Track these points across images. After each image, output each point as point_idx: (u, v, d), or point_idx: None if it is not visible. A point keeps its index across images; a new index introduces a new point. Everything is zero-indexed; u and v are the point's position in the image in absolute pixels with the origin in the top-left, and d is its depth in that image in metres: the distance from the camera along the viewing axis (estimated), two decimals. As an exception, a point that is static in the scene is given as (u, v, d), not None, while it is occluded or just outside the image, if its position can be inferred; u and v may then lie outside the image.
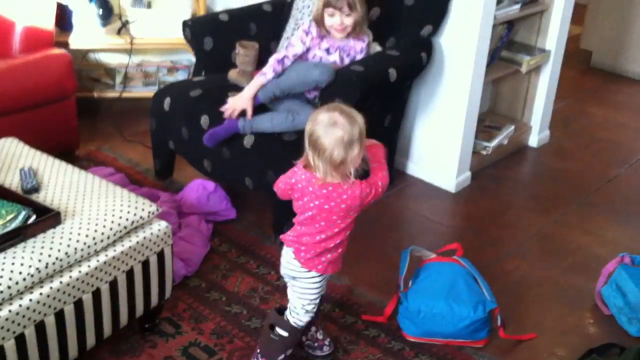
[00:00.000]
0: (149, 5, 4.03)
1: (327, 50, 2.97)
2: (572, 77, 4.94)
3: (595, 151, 4.01)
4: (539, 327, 2.62)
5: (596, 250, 3.09)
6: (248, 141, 2.88)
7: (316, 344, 2.41)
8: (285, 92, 2.90)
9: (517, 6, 3.51)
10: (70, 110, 3.42)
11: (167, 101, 3.16)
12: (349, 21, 2.91)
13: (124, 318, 2.26)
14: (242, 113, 2.91)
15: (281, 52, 2.98)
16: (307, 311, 2.24)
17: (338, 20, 2.90)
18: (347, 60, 2.98)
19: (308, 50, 2.97)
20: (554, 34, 3.75)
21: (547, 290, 2.85)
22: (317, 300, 2.25)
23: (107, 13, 3.89)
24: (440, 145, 3.47)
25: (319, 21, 2.95)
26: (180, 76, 4.09)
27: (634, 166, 3.86)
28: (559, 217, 3.35)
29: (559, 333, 2.62)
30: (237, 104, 2.91)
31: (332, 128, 1.98)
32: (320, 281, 2.20)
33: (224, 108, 2.93)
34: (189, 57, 4.19)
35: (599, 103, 4.67)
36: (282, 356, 2.28)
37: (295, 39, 2.97)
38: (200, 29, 3.31)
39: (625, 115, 4.52)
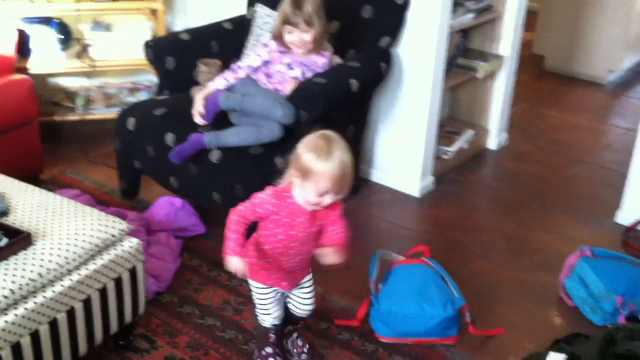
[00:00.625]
0: (108, 28, 4.04)
1: (289, 65, 3.03)
2: (526, 82, 5.07)
3: (552, 152, 4.13)
4: (507, 323, 2.70)
5: (558, 247, 3.19)
6: (214, 156, 2.92)
7: (295, 350, 2.45)
8: (244, 112, 2.94)
9: (472, 15, 3.62)
10: (33, 135, 3.42)
11: (131, 121, 3.19)
12: (307, 37, 2.97)
13: (98, 336, 2.28)
14: (208, 127, 2.96)
15: (239, 61, 3.05)
16: (260, 314, 2.33)
17: (297, 37, 2.96)
18: (309, 75, 3.04)
19: (269, 63, 3.03)
20: (507, 40, 3.87)
21: (513, 288, 2.92)
22: (265, 310, 2.31)
23: (67, 37, 3.90)
24: (403, 152, 3.55)
25: (279, 37, 3.01)
26: (142, 96, 4.11)
27: (589, 164, 3.99)
28: (521, 217, 3.44)
29: (526, 327, 2.69)
30: (197, 105, 3.00)
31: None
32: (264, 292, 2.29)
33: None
34: (150, 78, 4.21)
35: (553, 105, 4.81)
36: (257, 353, 2.37)
37: (252, 51, 3.03)
38: (162, 49, 3.34)
39: (579, 116, 4.66)
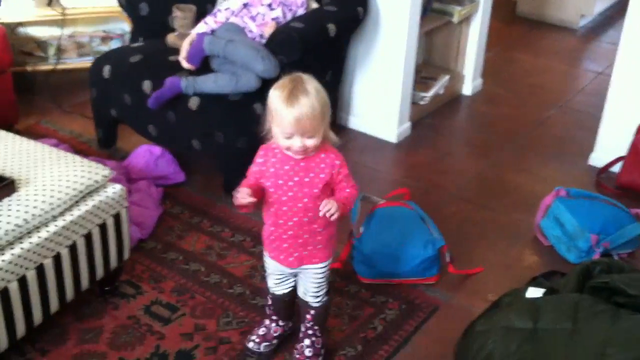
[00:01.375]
0: (78, -25, 3.96)
1: (270, 6, 3.01)
2: (499, 27, 5.08)
3: (525, 96, 4.18)
4: (485, 263, 2.77)
5: (532, 187, 3.26)
6: (193, 103, 2.91)
7: (298, 357, 2.29)
8: (227, 59, 2.92)
9: (445, -42, 3.61)
10: (7, 85, 3.36)
11: (106, 69, 3.15)
12: None
13: (85, 281, 2.29)
14: (186, 72, 2.94)
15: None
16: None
17: None
18: (289, 15, 3.03)
19: (249, 5, 3.01)
20: (481, -16, 3.87)
21: (489, 227, 2.99)
22: (267, 275, 2.26)
23: (35, -16, 3.80)
24: (380, 98, 3.56)
25: None
26: (114, 45, 4.04)
27: (563, 108, 4.04)
28: (495, 160, 3.49)
29: (503, 266, 2.77)
30: (183, 50, 2.98)
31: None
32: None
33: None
34: (122, 26, 4.14)
35: (526, 50, 4.84)
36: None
37: None
38: (135, -5, 3.29)
39: (551, 60, 4.70)
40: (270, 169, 2.03)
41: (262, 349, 2.30)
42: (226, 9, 3.00)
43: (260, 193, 2.04)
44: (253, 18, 3.02)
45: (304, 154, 1.99)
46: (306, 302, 2.23)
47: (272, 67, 2.86)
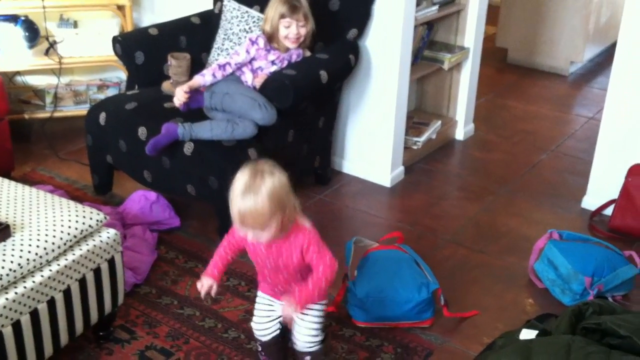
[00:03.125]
0: (75, 25, 4.03)
1: (273, 62, 3.08)
2: (490, 74, 5.18)
3: (517, 141, 4.23)
4: (480, 306, 2.77)
5: (525, 231, 3.27)
6: (188, 149, 2.94)
7: None
8: (226, 110, 2.97)
9: (436, 7, 3.69)
10: (3, 133, 3.40)
11: (102, 116, 3.19)
12: (303, 31, 3.06)
13: (79, 326, 2.29)
14: (181, 119, 2.97)
15: (225, 58, 3.06)
16: None
17: (294, 31, 3.04)
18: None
19: (253, 59, 3.07)
20: (471, 32, 3.95)
21: (483, 271, 3.00)
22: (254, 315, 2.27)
23: (33, 35, 3.88)
24: (373, 143, 3.60)
25: (274, 33, 3.06)
26: (111, 93, 4.10)
27: (554, 152, 4.09)
28: (488, 204, 3.52)
29: (498, 309, 2.77)
30: (178, 92, 2.99)
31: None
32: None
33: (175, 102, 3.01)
34: (119, 74, 4.21)
35: (517, 97, 4.92)
36: None
37: (241, 48, 3.06)
38: (131, 44, 3.35)
39: (542, 106, 4.77)
40: (248, 244, 2.08)
41: None
42: (236, 63, 3.04)
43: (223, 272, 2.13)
44: (253, 71, 3.08)
45: (266, 242, 1.99)
46: (301, 351, 2.21)
47: (270, 115, 2.91)
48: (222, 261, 2.15)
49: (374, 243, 2.83)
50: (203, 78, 3.01)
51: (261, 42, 3.06)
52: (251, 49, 3.05)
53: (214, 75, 3.00)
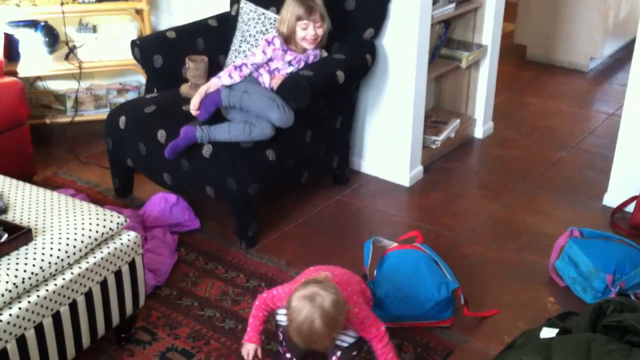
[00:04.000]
0: (94, 30, 4.08)
1: (290, 63, 3.09)
2: (509, 71, 5.15)
3: (537, 138, 4.20)
4: (499, 304, 2.75)
5: (545, 228, 3.25)
6: (206, 151, 2.96)
7: None
8: (243, 109, 2.98)
9: (452, 5, 3.68)
10: (25, 137, 3.44)
11: (122, 119, 3.22)
12: (320, 32, 3.07)
13: (101, 328, 2.31)
14: (199, 122, 2.99)
15: (241, 59, 3.08)
16: None
17: (312, 32, 3.05)
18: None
19: (270, 60, 3.08)
20: (489, 30, 3.93)
21: (503, 269, 2.98)
22: None
23: (53, 40, 3.92)
24: (391, 143, 3.60)
25: (290, 35, 3.07)
26: (130, 97, 4.13)
27: (574, 149, 4.06)
28: (507, 201, 3.50)
29: (519, 308, 2.75)
30: (194, 99, 3.02)
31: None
32: None
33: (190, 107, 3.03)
34: (138, 78, 4.25)
35: (536, 93, 4.89)
36: None
37: (258, 49, 3.07)
38: (149, 48, 3.38)
39: (561, 102, 4.74)
40: None
41: None
42: (252, 64, 3.06)
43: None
44: (270, 72, 3.09)
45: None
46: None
47: (287, 117, 2.92)
48: (260, 324, 2.29)
49: (392, 243, 2.83)
50: (220, 80, 3.02)
51: (277, 42, 3.07)
52: (268, 50, 3.06)
53: (230, 76, 3.02)
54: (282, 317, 2.28)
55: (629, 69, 3.22)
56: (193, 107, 3.01)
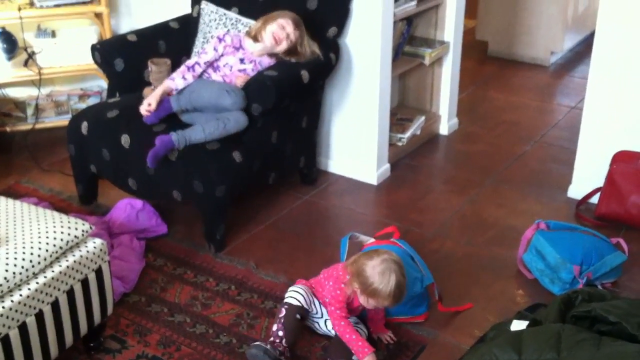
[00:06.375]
0: (53, 35, 4.01)
1: (242, 60, 3.06)
2: (472, 67, 5.19)
3: (501, 132, 4.24)
4: (470, 298, 2.77)
5: (512, 222, 3.28)
6: (172, 154, 2.92)
7: None
8: (197, 108, 2.96)
9: (414, 2, 3.69)
10: (-16, 146, 3.37)
11: (84, 125, 3.17)
12: (293, 37, 3.09)
13: (69, 338, 2.27)
14: (174, 127, 2.95)
15: (193, 58, 3.05)
16: None
17: (287, 31, 3.06)
18: (256, 71, 3.08)
19: (221, 56, 3.06)
20: (450, 26, 3.95)
21: (472, 263, 3.00)
22: None
23: (11, 46, 3.84)
24: (358, 141, 3.60)
25: (258, 31, 3.08)
26: (92, 102, 4.07)
27: (538, 142, 4.11)
28: (474, 196, 3.53)
29: (488, 301, 2.77)
30: (149, 99, 2.99)
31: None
32: None
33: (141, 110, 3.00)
34: (100, 83, 4.19)
35: (499, 88, 4.93)
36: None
37: (209, 45, 3.06)
38: (110, 51, 3.33)
39: (524, 96, 4.79)
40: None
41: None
42: (205, 62, 3.04)
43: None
44: (217, 68, 3.08)
45: None
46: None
47: (239, 98, 2.90)
48: (357, 333, 2.39)
49: (370, 238, 2.83)
50: (173, 82, 3.00)
51: (229, 39, 3.06)
52: (219, 47, 3.05)
53: (184, 77, 3.00)
54: (293, 298, 2.46)
55: (589, 62, 3.26)
56: (145, 107, 2.96)
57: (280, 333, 2.39)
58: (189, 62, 3.03)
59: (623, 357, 1.80)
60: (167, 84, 3.01)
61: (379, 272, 2.31)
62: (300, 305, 2.45)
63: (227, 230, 3.07)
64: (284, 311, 2.43)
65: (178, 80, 3.01)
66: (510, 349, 1.93)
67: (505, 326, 2.26)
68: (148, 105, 2.97)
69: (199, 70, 3.02)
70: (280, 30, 3.07)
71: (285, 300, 2.47)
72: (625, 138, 3.24)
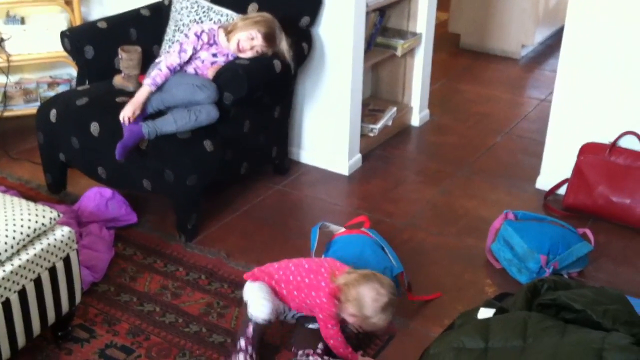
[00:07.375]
0: (22, 22, 3.95)
1: (214, 55, 3.05)
2: (444, 60, 5.22)
3: (472, 124, 4.28)
4: (440, 288, 2.79)
5: (482, 212, 3.32)
6: (142, 143, 2.90)
7: None
8: (170, 107, 2.93)
9: (387, -7, 3.70)
10: (-49, 134, 3.32)
11: (53, 113, 3.13)
12: (259, 50, 3.06)
13: (36, 327, 2.25)
14: (143, 118, 2.92)
15: (173, 56, 2.98)
16: None
17: (255, 45, 3.03)
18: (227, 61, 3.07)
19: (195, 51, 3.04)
20: (423, 18, 3.97)
21: (443, 253, 3.03)
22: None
23: (-21, 32, 3.79)
24: (329, 132, 3.61)
25: (231, 31, 3.05)
26: (62, 90, 4.01)
27: (508, 134, 4.15)
28: (445, 187, 3.56)
29: (457, 290, 2.80)
30: (127, 108, 2.89)
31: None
32: None
33: (120, 116, 2.89)
34: (69, 71, 4.14)
35: (470, 81, 4.97)
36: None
37: (188, 45, 3.00)
38: (80, 38, 3.29)
39: (495, 89, 4.83)
40: None
41: None
42: (179, 64, 2.99)
43: None
44: (191, 61, 3.04)
45: None
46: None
47: (212, 92, 2.89)
48: (351, 347, 2.40)
49: (340, 228, 2.84)
50: (150, 87, 2.92)
51: (205, 37, 3.04)
52: (197, 44, 3.03)
53: (166, 78, 2.95)
54: (261, 313, 2.31)
55: (559, 55, 3.30)
56: (129, 114, 2.86)
57: (250, 349, 2.32)
58: (170, 64, 2.95)
59: (587, 344, 1.83)
60: (148, 89, 2.92)
61: (380, 307, 2.30)
62: (268, 320, 2.32)
63: (198, 219, 3.06)
64: (251, 331, 2.31)
65: (154, 87, 2.94)
66: (477, 336, 1.96)
67: (472, 314, 2.27)
68: (132, 113, 2.86)
69: (177, 68, 2.99)
70: (246, 41, 3.04)
71: (251, 313, 2.32)
72: (593, 130, 3.28)
